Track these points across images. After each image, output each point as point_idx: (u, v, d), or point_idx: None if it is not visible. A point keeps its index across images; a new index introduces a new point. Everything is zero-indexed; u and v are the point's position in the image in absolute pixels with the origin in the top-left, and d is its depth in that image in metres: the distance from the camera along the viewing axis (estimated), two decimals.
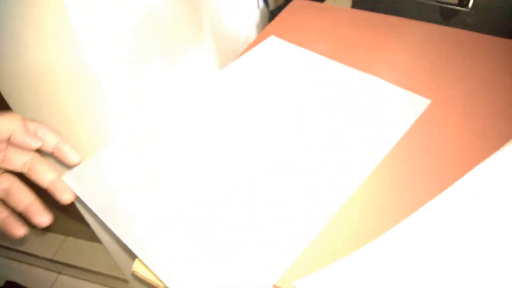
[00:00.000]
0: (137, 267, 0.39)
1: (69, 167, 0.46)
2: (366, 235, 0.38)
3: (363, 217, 0.41)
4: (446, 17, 0.66)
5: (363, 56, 0.59)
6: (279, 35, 0.64)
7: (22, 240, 1.16)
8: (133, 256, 0.39)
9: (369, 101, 0.51)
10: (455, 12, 0.65)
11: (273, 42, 0.63)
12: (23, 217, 0.36)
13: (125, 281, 1.03)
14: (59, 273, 1.18)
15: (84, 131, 0.53)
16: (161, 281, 0.37)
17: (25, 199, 0.36)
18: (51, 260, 1.13)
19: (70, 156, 0.37)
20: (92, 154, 0.47)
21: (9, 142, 0.35)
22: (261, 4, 0.78)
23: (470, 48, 0.58)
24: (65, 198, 0.39)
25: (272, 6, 0.83)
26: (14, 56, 0.44)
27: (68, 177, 0.44)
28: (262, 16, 0.80)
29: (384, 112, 0.50)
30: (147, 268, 0.38)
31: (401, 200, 0.41)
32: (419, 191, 0.42)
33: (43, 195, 0.38)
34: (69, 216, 1.11)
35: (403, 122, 0.48)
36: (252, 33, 0.78)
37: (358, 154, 0.45)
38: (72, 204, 0.56)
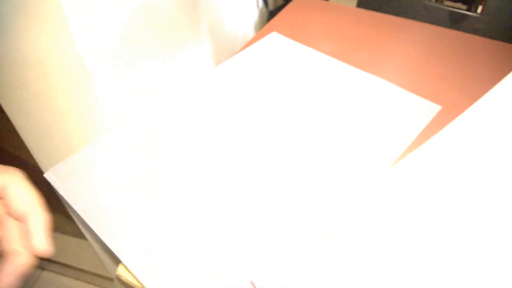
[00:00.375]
0: (121, 271, 0.36)
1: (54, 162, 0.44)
2: None
3: None
4: (455, 21, 0.64)
5: (368, 57, 0.57)
6: (280, 32, 0.61)
7: None
8: (118, 259, 0.37)
9: (377, 104, 0.49)
10: (464, 17, 0.63)
11: (274, 39, 0.60)
12: None
13: (110, 279, 1.01)
14: (43, 269, 1.15)
15: (75, 125, 0.50)
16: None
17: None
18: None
19: (37, 239, 0.26)
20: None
21: None
22: (261, 4, 0.76)
23: (480, 54, 0.56)
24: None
25: (271, 6, 0.80)
26: (3, 46, 0.42)
27: (51, 173, 0.41)
28: (261, 16, 0.78)
29: (394, 117, 0.48)
30: (132, 274, 0.36)
31: None
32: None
33: None
34: (55, 211, 1.08)
35: (414, 128, 0.46)
36: (251, 33, 0.76)
37: (367, 159, 0.43)
38: (58, 199, 0.54)
